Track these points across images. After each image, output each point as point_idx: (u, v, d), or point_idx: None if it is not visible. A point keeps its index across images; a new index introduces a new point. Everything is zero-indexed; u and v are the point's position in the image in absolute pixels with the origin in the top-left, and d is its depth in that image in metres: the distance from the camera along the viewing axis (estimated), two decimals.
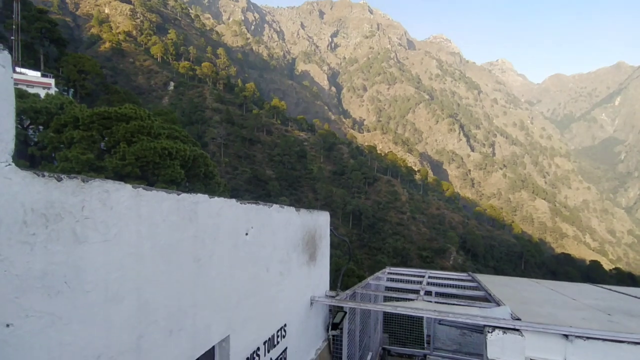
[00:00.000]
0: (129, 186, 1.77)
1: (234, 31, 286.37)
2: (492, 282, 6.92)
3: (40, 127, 31.05)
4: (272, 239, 3.35)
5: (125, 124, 28.58)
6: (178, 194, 2.08)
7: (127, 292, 1.78)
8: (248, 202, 2.83)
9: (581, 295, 5.89)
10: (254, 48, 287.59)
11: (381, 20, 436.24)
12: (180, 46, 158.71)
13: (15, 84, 40.40)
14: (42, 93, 36.05)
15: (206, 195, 2.31)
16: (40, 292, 1.41)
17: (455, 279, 7.71)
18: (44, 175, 1.42)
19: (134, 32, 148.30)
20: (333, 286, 5.65)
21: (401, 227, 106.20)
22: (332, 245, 5.83)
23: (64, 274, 1.49)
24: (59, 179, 1.47)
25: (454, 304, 4.77)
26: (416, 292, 5.74)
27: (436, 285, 6.87)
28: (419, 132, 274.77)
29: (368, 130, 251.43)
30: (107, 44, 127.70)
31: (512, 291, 6.10)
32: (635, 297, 5.96)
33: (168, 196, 2.00)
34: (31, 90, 35.75)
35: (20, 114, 31.87)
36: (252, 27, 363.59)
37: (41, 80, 43.40)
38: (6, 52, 1.29)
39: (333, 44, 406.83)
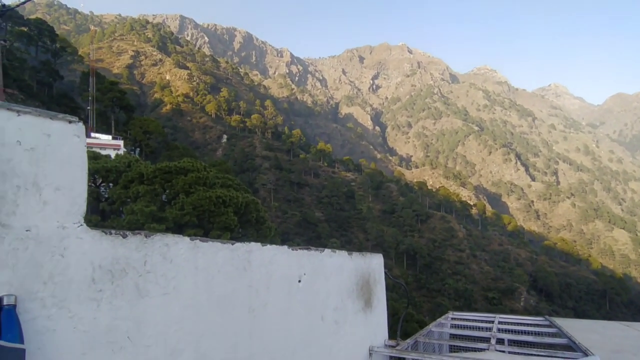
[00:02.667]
0: (186, 238, 1.84)
1: (279, 84, 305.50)
2: (575, 327, 6.04)
3: (111, 184, 34.15)
4: (326, 285, 3.23)
5: (184, 176, 30.60)
6: (232, 244, 2.12)
7: (185, 345, 1.79)
8: (299, 248, 2.79)
9: None
10: (298, 97, 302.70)
11: (421, 59, 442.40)
12: (231, 102, 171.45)
13: (90, 147, 45.55)
14: (113, 154, 39.99)
15: (259, 244, 2.32)
16: (105, 348, 1.48)
17: (531, 324, 6.84)
18: (110, 233, 1.53)
19: (191, 94, 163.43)
20: (392, 334, 5.22)
21: (461, 266, 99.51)
22: (388, 289, 5.46)
23: (126, 328, 1.55)
24: (124, 236, 1.57)
25: (532, 355, 4.22)
26: (486, 340, 5.13)
27: (509, 332, 6.07)
28: (471, 164, 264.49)
29: (416, 167, 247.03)
30: (168, 106, 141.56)
31: (600, 337, 5.37)
32: None
33: (223, 246, 2.05)
34: (103, 152, 39.92)
35: (93, 173, 35.49)
36: (296, 78, 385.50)
37: (112, 143, 48.44)
38: (80, 124, 1.46)
39: (374, 86, 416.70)
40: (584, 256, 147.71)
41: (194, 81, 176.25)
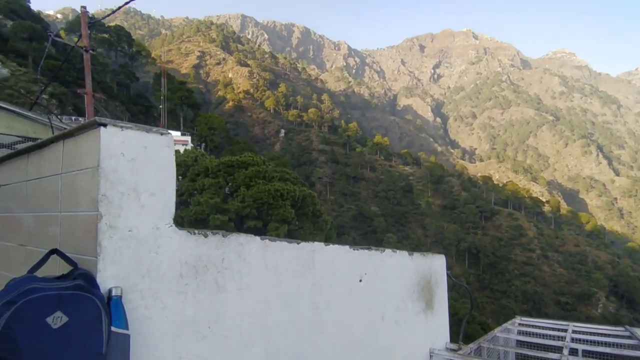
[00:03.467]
0: (257, 238, 2.03)
1: (336, 77, 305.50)
2: None
3: (180, 177, 36.92)
4: (386, 285, 3.25)
5: (245, 170, 32.08)
6: (298, 243, 2.27)
7: (257, 339, 1.98)
8: (361, 248, 2.83)
9: None
10: (355, 90, 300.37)
11: (488, 44, 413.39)
12: (289, 97, 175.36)
13: None
14: (182, 149, 43.12)
15: (322, 244, 2.42)
16: (190, 336, 1.71)
17: (609, 335, 6.19)
18: (194, 233, 1.75)
19: (252, 90, 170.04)
20: (454, 337, 5.03)
21: (530, 268, 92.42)
22: (449, 289, 5.27)
23: (207, 320, 1.77)
24: (206, 235, 1.77)
25: None
26: (558, 350, 4.78)
27: (584, 342, 5.60)
28: (544, 157, 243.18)
29: (481, 160, 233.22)
30: (231, 103, 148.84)
31: None
32: None
33: (289, 246, 2.22)
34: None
35: None
36: (354, 71, 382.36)
37: (181, 139, 52.19)
38: (170, 135, 1.70)
39: (435, 76, 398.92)
40: None
41: (254, 78, 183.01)
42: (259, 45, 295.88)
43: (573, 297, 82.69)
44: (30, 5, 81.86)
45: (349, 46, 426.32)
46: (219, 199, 29.67)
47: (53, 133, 7.75)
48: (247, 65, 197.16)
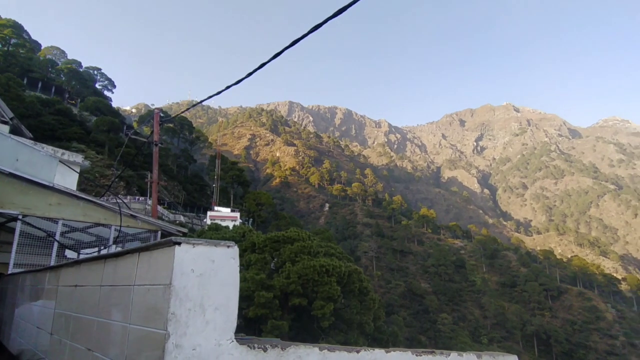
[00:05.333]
0: (316, 348, 1.97)
1: (378, 152, 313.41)
2: None
3: None
4: None
5: (290, 245, 32.30)
6: (357, 352, 2.17)
7: None
8: (423, 352, 2.71)
9: None
10: (397, 164, 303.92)
11: (531, 116, 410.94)
12: (333, 172, 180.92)
13: (214, 219, 51.96)
14: (231, 224, 44.79)
15: (383, 351, 2.34)
16: None
17: None
18: (254, 347, 1.74)
19: (297, 167, 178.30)
20: None
21: (615, 358, 78.69)
22: None
23: None
24: (265, 350, 1.77)
25: None
26: None
27: None
28: (612, 229, 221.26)
29: (538, 232, 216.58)
30: (277, 180, 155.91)
31: None
32: None
33: (348, 355, 2.13)
34: (223, 224, 44.99)
35: None
36: (395, 146, 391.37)
37: (230, 215, 54.62)
38: (236, 247, 1.79)
39: (479, 147, 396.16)
40: None
41: (300, 156, 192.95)
42: (304, 127, 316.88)
43: None
44: (112, 103, 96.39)
45: (389, 123, 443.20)
46: (264, 275, 29.62)
47: (121, 221, 8.59)
48: (294, 145, 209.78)
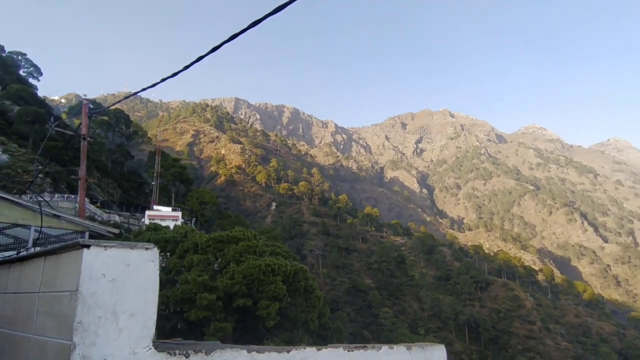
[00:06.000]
0: (244, 351, 1.88)
1: (325, 152, 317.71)
2: None
3: (168, 254, 36.01)
4: None
5: (235, 245, 31.61)
6: (288, 352, 2.12)
7: None
8: (355, 348, 2.78)
9: None
10: (343, 163, 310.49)
11: (464, 122, 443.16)
12: (280, 171, 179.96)
13: (152, 219, 49.12)
14: (172, 224, 42.72)
15: (314, 349, 2.30)
16: None
17: None
18: (175, 354, 1.62)
19: (244, 165, 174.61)
20: None
21: (533, 342, 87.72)
22: None
23: None
24: (187, 355, 1.66)
25: None
26: None
27: None
28: (530, 225, 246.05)
29: (469, 229, 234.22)
30: (223, 178, 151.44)
31: None
32: None
33: (279, 355, 2.06)
34: (164, 224, 42.79)
35: (154, 244, 37.85)
36: (341, 146, 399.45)
37: (171, 214, 52.07)
38: (155, 249, 1.65)
39: (418, 150, 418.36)
40: None
41: (246, 154, 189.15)
42: (251, 125, 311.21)
43: None
44: (37, 92, 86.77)
45: (336, 124, 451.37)
46: (207, 276, 28.68)
47: (42, 221, 7.85)
48: (240, 143, 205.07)
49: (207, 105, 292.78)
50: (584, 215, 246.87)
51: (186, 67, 5.47)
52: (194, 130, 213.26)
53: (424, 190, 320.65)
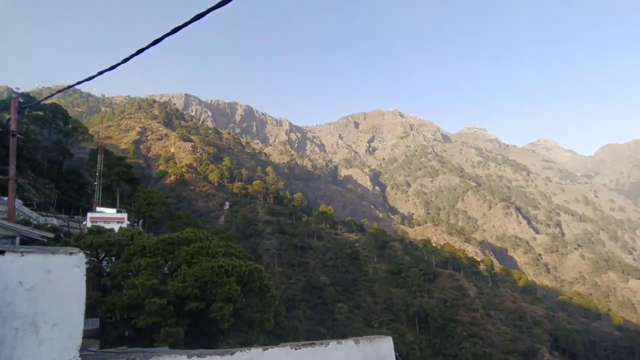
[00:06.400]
0: (184, 356, 1.80)
1: (279, 150, 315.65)
2: None
3: (113, 259, 33.98)
4: None
5: (186, 246, 30.62)
6: (231, 354, 2.03)
7: None
8: (303, 345, 2.77)
9: None
10: (298, 162, 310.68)
11: (413, 122, 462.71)
12: (234, 170, 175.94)
13: (95, 221, 45.95)
14: (117, 227, 40.34)
15: (260, 349, 2.24)
16: None
17: None
18: None
19: (195, 164, 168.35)
20: None
21: (476, 328, 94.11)
22: None
23: None
24: None
25: None
26: None
27: None
28: (473, 219, 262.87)
29: (419, 224, 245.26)
30: (172, 177, 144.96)
31: None
32: None
33: (222, 358, 1.98)
34: (108, 226, 40.26)
35: (96, 248, 35.47)
36: (296, 145, 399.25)
37: (116, 216, 49.06)
38: (81, 254, 1.52)
39: (371, 148, 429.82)
40: (604, 311, 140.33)
41: (198, 152, 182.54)
42: (202, 122, 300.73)
43: (520, 355, 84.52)
44: None
45: (290, 122, 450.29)
46: (156, 280, 27.52)
47: None
48: (191, 141, 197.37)
49: (154, 101, 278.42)
50: (518, 209, 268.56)
51: (125, 60, 5.31)
52: (140, 127, 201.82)
53: (377, 188, 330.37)
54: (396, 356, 4.75)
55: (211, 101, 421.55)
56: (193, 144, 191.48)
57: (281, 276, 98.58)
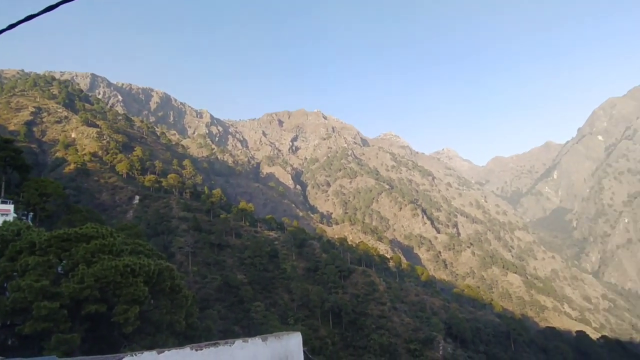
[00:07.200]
0: None
1: (199, 143, 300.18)
2: None
3: None
4: None
5: (86, 244, 27.87)
6: (120, 359, 1.78)
7: None
8: (205, 346, 2.50)
9: None
10: (219, 157, 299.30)
11: (335, 124, 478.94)
12: (146, 161, 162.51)
13: None
14: (0, 220, 34.96)
15: (154, 352, 1.99)
16: None
17: None
18: None
19: (100, 153, 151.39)
20: None
21: (384, 320, 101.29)
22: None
23: None
24: None
25: None
26: None
27: None
28: (385, 219, 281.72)
29: (337, 223, 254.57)
30: (72, 166, 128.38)
31: None
32: None
33: None
34: None
35: None
36: (217, 138, 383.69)
37: (0, 208, 42.35)
38: None
39: (294, 147, 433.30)
40: (488, 300, 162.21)
41: (104, 139, 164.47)
42: (111, 107, 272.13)
43: (420, 343, 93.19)
44: None
45: (211, 115, 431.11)
46: (47, 281, 24.56)
47: None
48: (96, 126, 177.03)
49: (53, 79, 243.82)
50: (424, 211, 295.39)
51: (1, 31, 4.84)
52: (34, 107, 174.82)
53: (298, 187, 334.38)
54: (305, 351, 4.81)
55: (123, 85, 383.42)
56: (99, 130, 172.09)
57: (195, 275, 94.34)
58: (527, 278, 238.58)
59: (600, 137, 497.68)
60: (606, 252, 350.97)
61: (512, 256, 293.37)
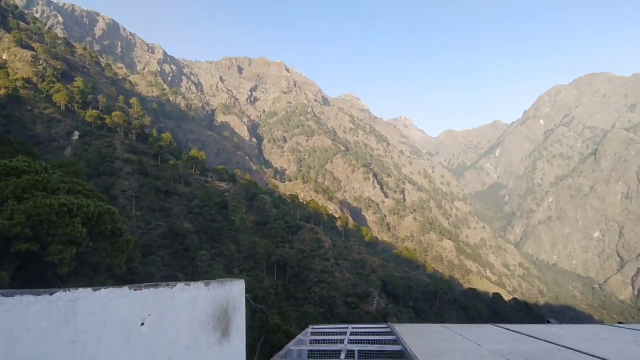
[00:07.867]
0: None
1: (148, 81, 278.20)
2: (409, 334, 7.05)
3: None
4: (176, 322, 2.87)
5: (16, 178, 25.69)
6: (50, 294, 1.73)
7: None
8: (145, 286, 2.48)
9: (486, 339, 6.62)
10: (170, 98, 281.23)
11: (297, 78, 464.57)
12: (88, 94, 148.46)
13: None
14: None
15: (90, 289, 1.97)
16: None
17: (375, 333, 7.59)
18: None
19: (35, 79, 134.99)
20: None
21: (326, 275, 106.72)
22: (256, 310, 5.42)
23: None
24: None
25: None
26: (337, 354, 5.53)
27: (357, 342, 6.71)
28: (338, 180, 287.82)
29: (290, 180, 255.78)
30: (2, 91, 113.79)
31: (427, 341, 6.49)
32: (529, 335, 6.85)
33: (36, 299, 1.66)
34: None
35: None
36: (169, 78, 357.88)
37: None
38: None
39: (252, 98, 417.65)
40: (422, 262, 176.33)
41: (40, 65, 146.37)
42: (50, 28, 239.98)
43: (357, 297, 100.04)
44: None
45: (165, 51, 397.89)
46: None
47: None
48: (31, 49, 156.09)
49: None
50: (375, 175, 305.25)
51: None
52: None
53: (254, 140, 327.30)
54: (247, 297, 5.06)
55: (64, 4, 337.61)
56: (34, 53, 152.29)
57: (139, 220, 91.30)
58: (459, 244, 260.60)
59: (541, 121, 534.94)
60: (529, 226, 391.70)
61: (449, 224, 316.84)
